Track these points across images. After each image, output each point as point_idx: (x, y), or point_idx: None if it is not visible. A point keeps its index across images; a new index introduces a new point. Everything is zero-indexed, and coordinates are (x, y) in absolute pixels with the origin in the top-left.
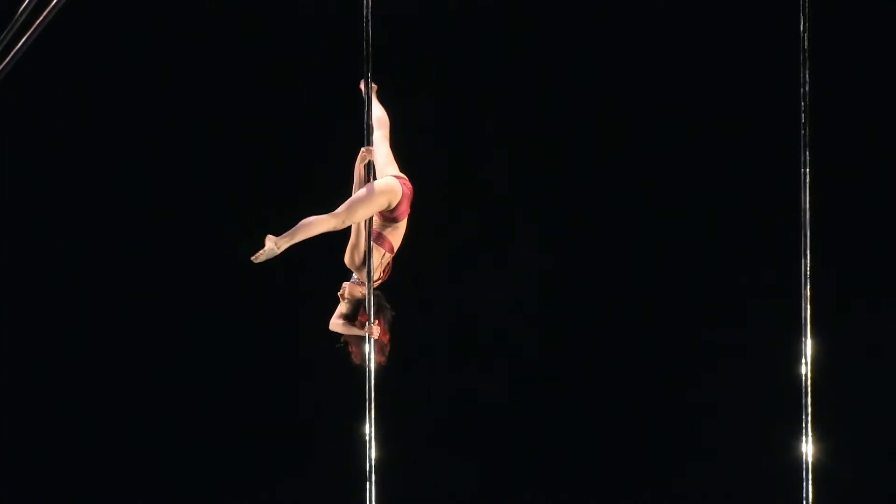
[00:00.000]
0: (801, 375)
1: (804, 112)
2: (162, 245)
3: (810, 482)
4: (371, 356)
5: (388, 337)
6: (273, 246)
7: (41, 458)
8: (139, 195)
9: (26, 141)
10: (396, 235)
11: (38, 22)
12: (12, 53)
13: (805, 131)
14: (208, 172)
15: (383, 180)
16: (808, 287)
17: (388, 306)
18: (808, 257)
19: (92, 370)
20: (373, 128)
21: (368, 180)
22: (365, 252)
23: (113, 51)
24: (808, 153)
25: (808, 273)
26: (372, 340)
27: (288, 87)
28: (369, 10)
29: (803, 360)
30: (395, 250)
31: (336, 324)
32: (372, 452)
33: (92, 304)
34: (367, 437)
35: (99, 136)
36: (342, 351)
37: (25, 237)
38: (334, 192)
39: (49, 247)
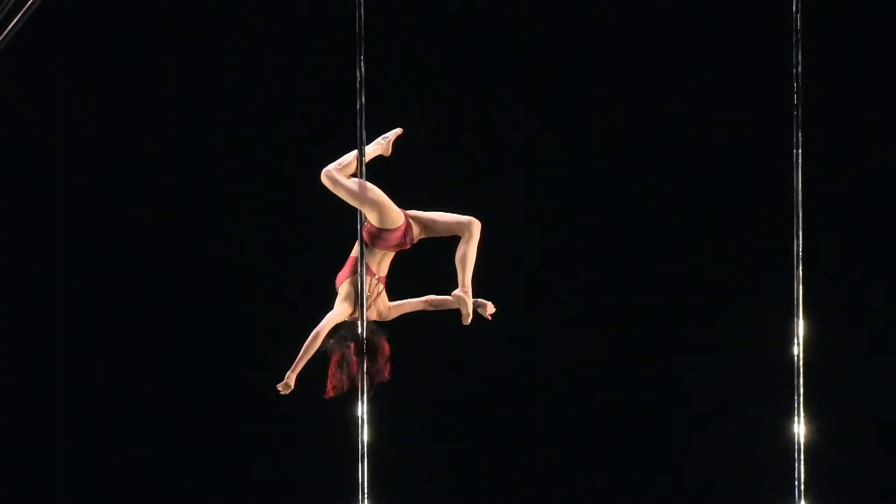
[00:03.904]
0: (793, 356)
1: (797, 93)
2: (161, 244)
3: (802, 462)
4: (365, 344)
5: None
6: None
7: (41, 458)
8: (139, 195)
9: (26, 141)
10: (375, 263)
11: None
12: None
13: (798, 112)
14: (208, 172)
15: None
16: (801, 267)
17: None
18: (801, 238)
19: (92, 370)
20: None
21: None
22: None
23: (111, 49)
24: (800, 134)
25: (801, 253)
26: (365, 329)
27: (286, 85)
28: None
29: (795, 341)
30: (383, 279)
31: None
32: (364, 434)
33: (92, 304)
34: (360, 419)
35: (99, 135)
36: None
37: (25, 237)
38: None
39: (49, 247)
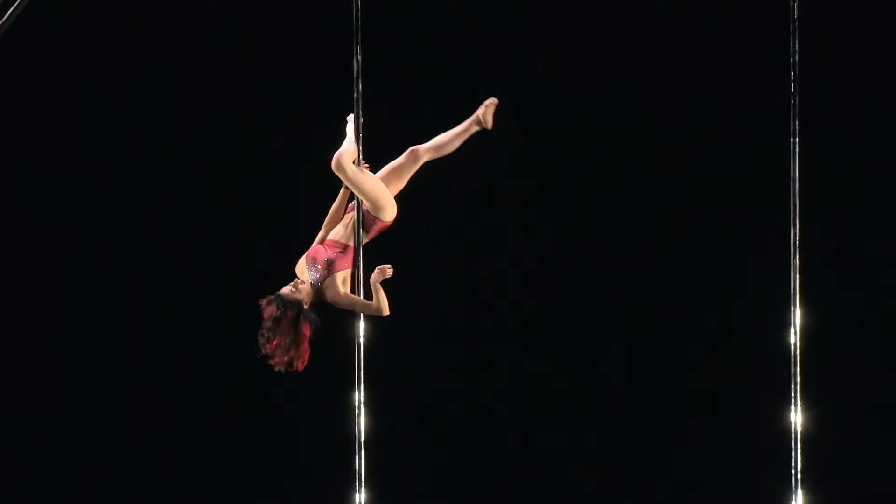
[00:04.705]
0: (790, 345)
1: (794, 82)
2: (159, 244)
3: (799, 451)
4: (361, 330)
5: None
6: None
7: (41, 457)
8: (138, 195)
9: (27, 141)
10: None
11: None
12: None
13: (795, 101)
14: (209, 171)
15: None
16: (798, 257)
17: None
18: (798, 227)
19: (87, 365)
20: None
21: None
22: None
23: (105, 39)
24: (797, 122)
25: (798, 242)
26: (362, 315)
27: (280, 83)
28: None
29: (793, 330)
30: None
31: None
32: (361, 422)
33: (91, 304)
34: (357, 407)
35: (96, 130)
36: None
37: (25, 237)
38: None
39: (49, 246)
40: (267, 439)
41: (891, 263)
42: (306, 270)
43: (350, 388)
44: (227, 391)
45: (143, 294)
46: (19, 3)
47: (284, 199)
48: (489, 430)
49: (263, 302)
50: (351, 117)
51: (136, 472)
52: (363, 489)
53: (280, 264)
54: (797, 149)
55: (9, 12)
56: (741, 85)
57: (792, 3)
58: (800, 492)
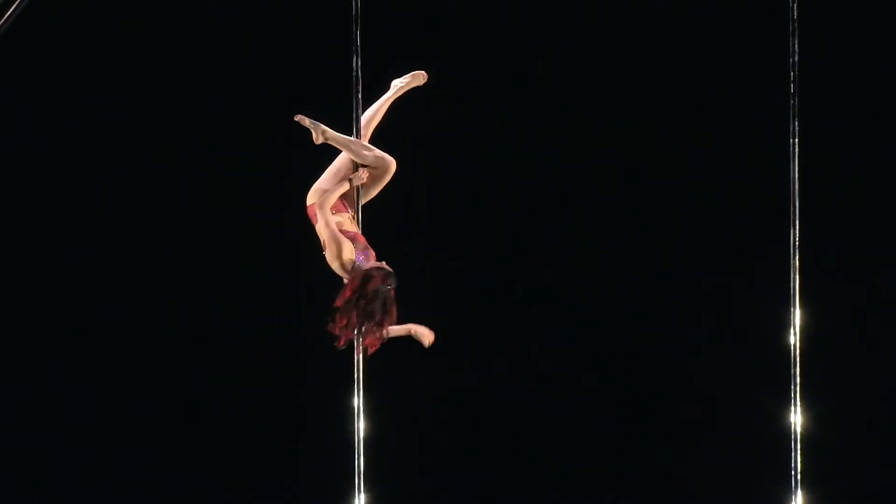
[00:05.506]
0: (789, 345)
1: (793, 82)
2: (159, 244)
3: (799, 451)
4: (359, 329)
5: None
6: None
7: (41, 457)
8: (138, 195)
9: (27, 141)
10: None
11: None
12: None
13: (794, 101)
14: (209, 171)
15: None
16: (797, 257)
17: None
18: (797, 226)
19: (91, 370)
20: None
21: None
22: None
23: (96, 34)
24: (796, 123)
25: (797, 242)
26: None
27: (280, 83)
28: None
29: (792, 330)
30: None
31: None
32: (360, 424)
33: (91, 304)
34: (356, 409)
35: (99, 135)
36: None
37: (26, 237)
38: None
39: (49, 246)
40: (266, 441)
41: (891, 263)
42: (356, 253)
43: (349, 392)
44: (227, 392)
45: (143, 294)
46: (19, 2)
47: (284, 200)
48: (488, 432)
49: (379, 275)
50: (299, 117)
51: (136, 472)
52: (362, 492)
53: (280, 265)
54: (797, 149)
55: (9, 12)
56: (741, 85)
57: (792, 3)
58: (800, 492)
